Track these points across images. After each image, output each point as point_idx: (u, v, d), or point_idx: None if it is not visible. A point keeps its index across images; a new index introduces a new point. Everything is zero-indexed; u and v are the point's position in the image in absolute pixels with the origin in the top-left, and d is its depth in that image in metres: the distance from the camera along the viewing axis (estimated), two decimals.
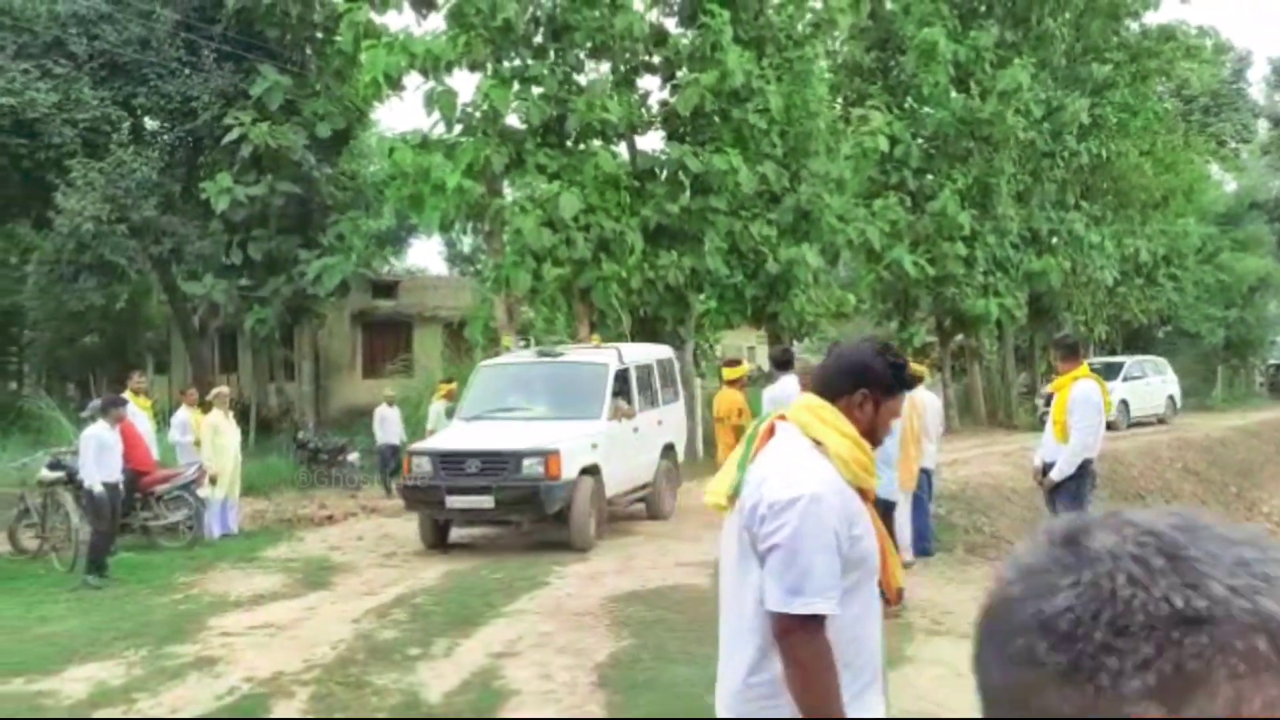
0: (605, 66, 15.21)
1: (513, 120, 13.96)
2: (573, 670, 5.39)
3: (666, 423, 11.03)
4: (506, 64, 14.31)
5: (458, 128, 13.95)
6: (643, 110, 15.42)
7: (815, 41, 16.35)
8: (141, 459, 9.44)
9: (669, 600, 6.97)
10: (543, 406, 9.82)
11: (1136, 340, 25.82)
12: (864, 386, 2.02)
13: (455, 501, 8.78)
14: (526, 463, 8.65)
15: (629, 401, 9.89)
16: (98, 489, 8.11)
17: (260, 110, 16.57)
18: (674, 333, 16.82)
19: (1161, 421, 19.73)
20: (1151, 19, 22.40)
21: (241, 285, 17.27)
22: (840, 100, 19.39)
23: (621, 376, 10.00)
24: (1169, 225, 24.14)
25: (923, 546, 8.11)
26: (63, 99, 15.72)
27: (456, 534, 9.49)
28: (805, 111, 15.42)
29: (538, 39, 14.66)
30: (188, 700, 5.18)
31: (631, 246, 13.91)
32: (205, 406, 10.75)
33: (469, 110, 13.75)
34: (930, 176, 18.94)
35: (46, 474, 9.24)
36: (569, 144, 14.42)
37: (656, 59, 15.61)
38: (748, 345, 28.44)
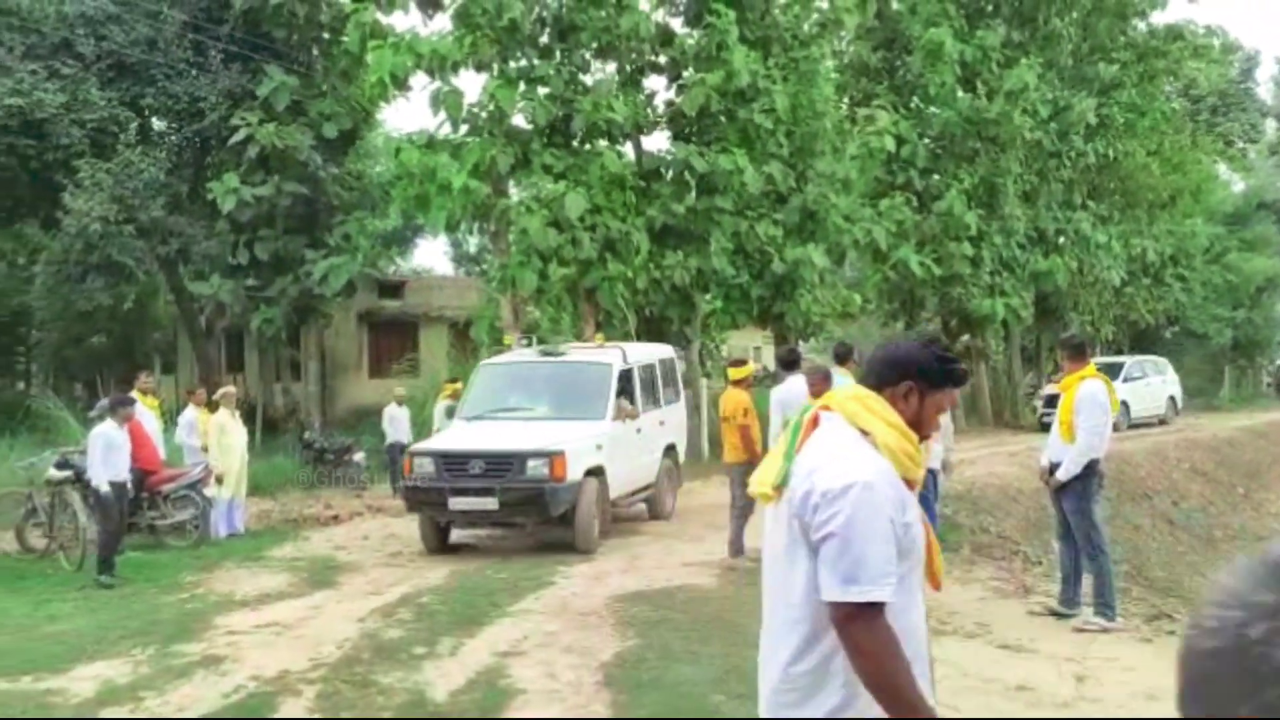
0: (611, 66, 15.22)
1: (519, 120, 13.98)
2: (578, 670, 5.39)
3: (668, 423, 10.96)
4: (512, 64, 14.33)
5: (464, 128, 13.97)
6: (648, 110, 15.42)
7: (821, 41, 16.34)
8: (149, 458, 9.47)
9: (674, 600, 6.97)
10: (545, 406, 9.70)
11: (1143, 340, 25.73)
12: (910, 378, 2.01)
13: (458, 503, 8.64)
14: (531, 464, 8.53)
15: (632, 402, 9.81)
16: (104, 488, 8.14)
17: (267, 111, 16.63)
18: (680, 333, 16.81)
19: (1162, 422, 19.60)
20: (1159, 18, 22.35)
21: (248, 285, 17.32)
22: (846, 100, 19.37)
23: (625, 376, 9.89)
24: (1176, 225, 24.06)
25: None
26: (70, 100, 15.78)
27: (457, 535, 9.39)
28: (811, 111, 15.40)
29: (544, 39, 14.68)
30: (194, 699, 5.19)
31: (637, 246, 13.92)
32: (212, 406, 10.78)
33: (475, 110, 13.77)
34: (937, 176, 18.90)
35: (54, 473, 9.27)
36: (575, 144, 14.43)
37: (662, 59, 15.61)
38: (753, 345, 28.42)
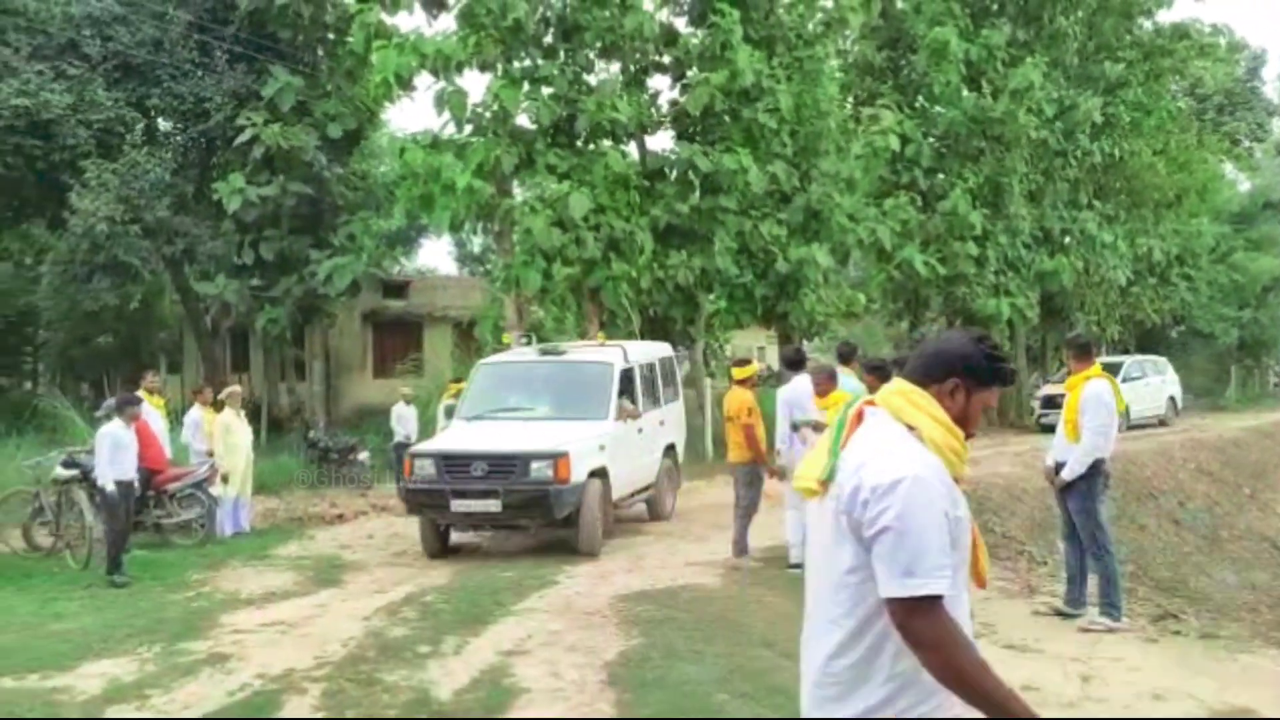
0: (615, 66, 15.23)
1: (523, 120, 14.00)
2: (582, 669, 5.40)
3: (668, 422, 10.85)
4: (517, 64, 14.35)
5: (468, 128, 14.00)
6: (653, 110, 15.43)
7: (826, 41, 16.33)
8: (155, 457, 9.50)
9: (678, 599, 6.97)
10: (547, 406, 9.54)
11: (1149, 340, 25.66)
12: (957, 375, 1.99)
13: (460, 505, 8.45)
14: (535, 465, 8.37)
15: (633, 401, 9.70)
16: (110, 487, 8.16)
17: (272, 111, 16.66)
18: (684, 332, 16.82)
19: (1162, 423, 19.37)
20: (1165, 17, 22.30)
21: (253, 285, 17.36)
22: (851, 99, 19.35)
23: (626, 376, 9.75)
24: (1182, 225, 23.98)
25: None
26: (77, 100, 15.83)
27: (456, 537, 9.23)
28: (816, 111, 15.40)
29: (548, 39, 14.69)
30: (200, 696, 5.21)
31: (641, 246, 13.92)
32: (218, 406, 10.81)
33: (479, 110, 13.79)
34: (941, 176, 18.87)
35: (61, 472, 9.31)
36: (579, 144, 14.45)
37: (666, 59, 15.62)
38: (757, 345, 28.41)
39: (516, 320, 14.21)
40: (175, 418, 11.75)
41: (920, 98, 19.49)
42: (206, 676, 5.53)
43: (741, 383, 8.19)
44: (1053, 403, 16.98)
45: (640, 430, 9.84)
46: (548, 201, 13.34)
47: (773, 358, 26.11)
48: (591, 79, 14.74)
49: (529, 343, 10.74)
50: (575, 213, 12.93)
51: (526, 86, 14.00)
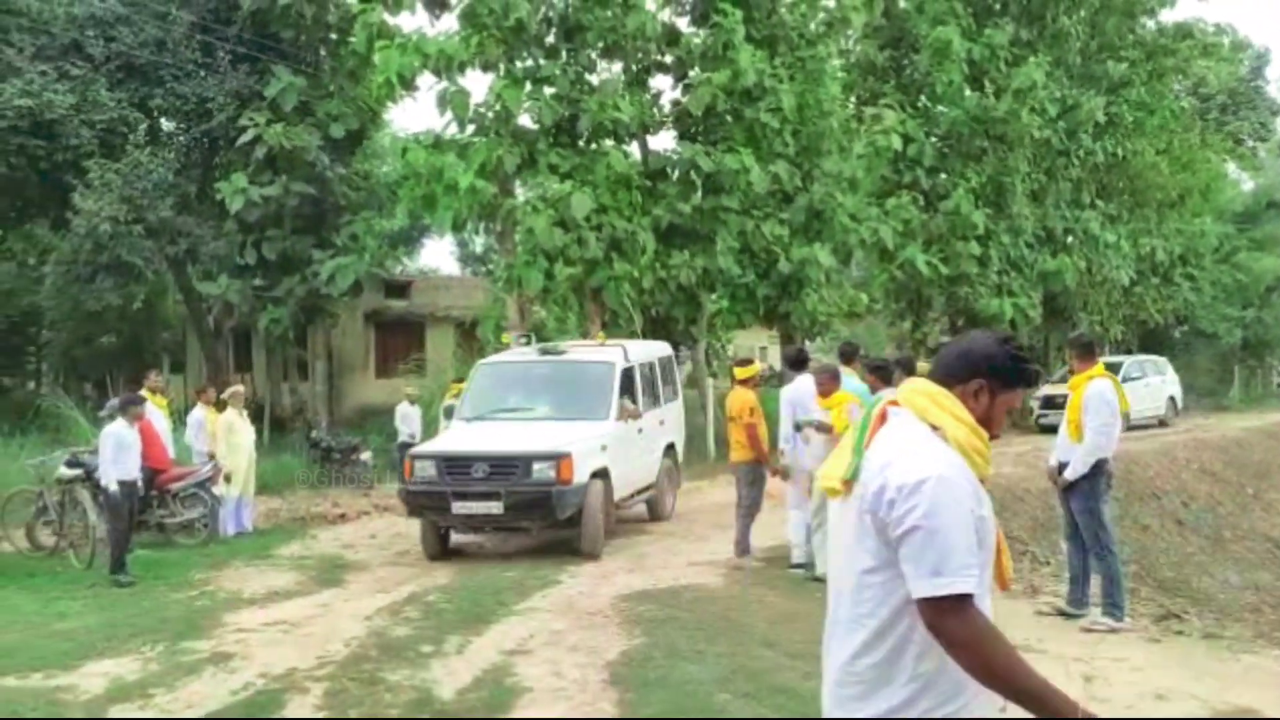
0: (617, 66, 15.23)
1: (525, 120, 14.01)
2: (584, 668, 5.40)
3: (668, 422, 10.78)
4: (519, 64, 14.36)
5: (470, 128, 14.00)
6: (655, 110, 15.43)
7: (828, 40, 16.33)
8: (158, 457, 9.52)
9: (680, 599, 6.97)
10: (547, 407, 9.45)
11: (1152, 340, 25.62)
12: (981, 376, 1.98)
13: (461, 507, 8.35)
14: (537, 466, 8.28)
15: (634, 401, 9.63)
16: (113, 487, 8.17)
17: (275, 111, 16.68)
18: (686, 332, 16.81)
19: (1162, 423, 19.25)
20: (1168, 16, 22.26)
21: (256, 285, 17.39)
22: (853, 99, 19.33)
23: (627, 375, 9.67)
24: (1185, 224, 23.94)
25: None
26: (80, 100, 15.86)
27: (456, 538, 9.14)
28: (818, 110, 15.39)
29: (550, 39, 14.70)
30: (203, 695, 5.22)
31: (643, 246, 13.92)
32: (220, 405, 10.82)
33: (481, 110, 13.80)
34: (944, 175, 18.85)
35: (64, 471, 9.33)
36: (581, 144, 14.45)
37: (669, 58, 15.62)
38: (759, 345, 28.41)
39: (519, 320, 14.21)
40: (178, 417, 11.77)
41: (923, 97, 19.47)
42: (209, 676, 5.54)
43: (744, 382, 8.19)
44: (1052, 403, 16.94)
45: (641, 430, 9.78)
46: (550, 201, 13.34)
47: (775, 358, 26.10)
48: (594, 79, 14.75)
49: (528, 342, 10.61)
50: (577, 213, 12.93)
51: (529, 86, 14.00)
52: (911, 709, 1.87)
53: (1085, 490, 6.20)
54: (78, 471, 9.21)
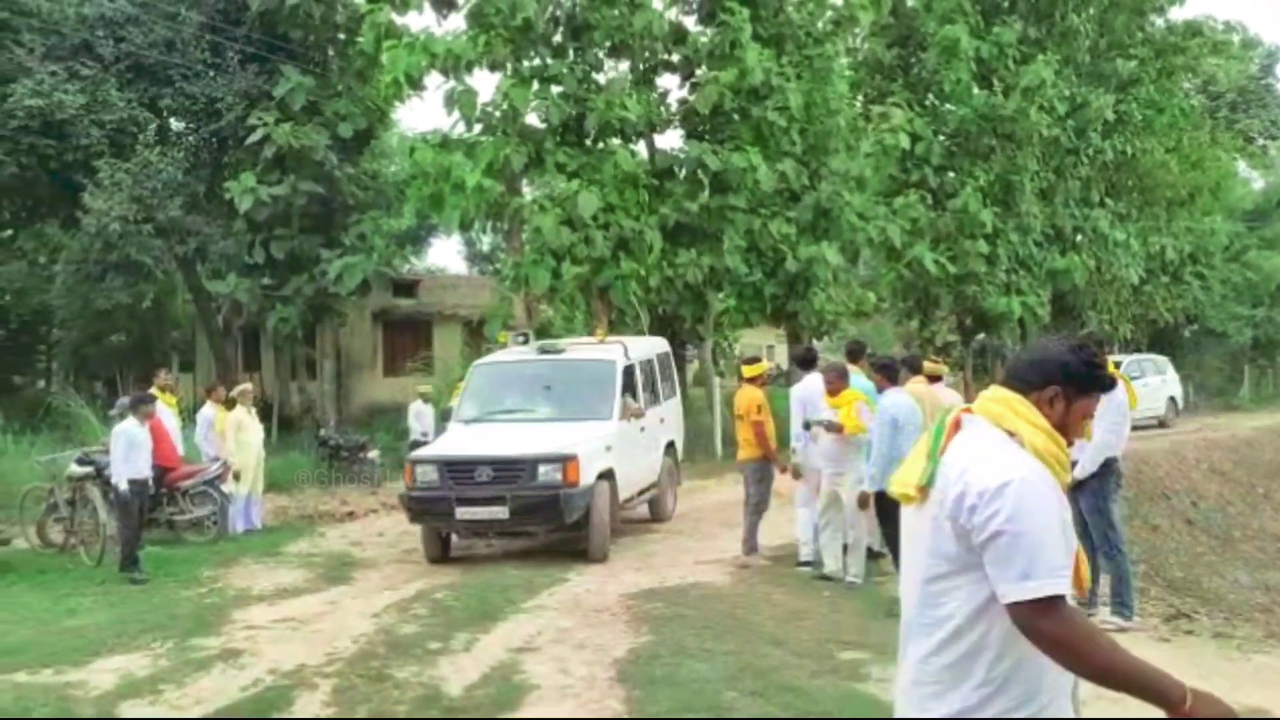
0: (624, 65, 15.24)
1: (532, 119, 14.02)
2: (591, 666, 5.41)
3: (668, 420, 10.55)
4: (526, 63, 14.38)
5: (478, 127, 14.03)
6: (662, 108, 15.44)
7: (836, 39, 16.30)
8: (168, 455, 9.57)
9: (687, 597, 6.97)
10: (549, 407, 9.23)
11: (1162, 339, 25.51)
12: (1056, 383, 1.99)
13: (465, 513, 8.10)
14: (543, 469, 8.05)
15: (636, 399, 9.40)
16: (123, 486, 8.21)
17: (283, 111, 16.74)
18: (693, 331, 16.81)
19: (1162, 424, 19.04)
20: (1177, 14, 22.18)
21: (264, 284, 17.45)
22: (861, 97, 19.30)
23: (628, 373, 9.47)
24: (1195, 223, 23.83)
25: None
26: (90, 100, 15.94)
27: (457, 542, 8.99)
28: (825, 109, 15.36)
29: (557, 38, 14.72)
30: (213, 691, 5.25)
31: (650, 245, 13.92)
32: (229, 404, 10.86)
33: (489, 109, 13.82)
34: (952, 174, 18.80)
35: (75, 469, 9.38)
36: (588, 143, 14.46)
37: (675, 57, 15.62)
38: (766, 344, 28.38)
39: (526, 319, 14.22)
40: (188, 416, 11.82)
41: (931, 95, 19.43)
42: (219, 672, 5.57)
43: (751, 381, 8.19)
44: None
45: (643, 429, 9.59)
46: (557, 200, 13.36)
47: (782, 356, 26.08)
48: (601, 78, 14.76)
49: (526, 341, 10.34)
50: (584, 211, 12.93)
51: (536, 85, 14.02)
52: (985, 710, 1.88)
53: (1094, 489, 6.18)
54: (88, 469, 9.26)
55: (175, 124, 18.72)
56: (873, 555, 7.41)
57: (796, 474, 7.72)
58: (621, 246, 13.76)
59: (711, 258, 14.60)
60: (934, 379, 7.96)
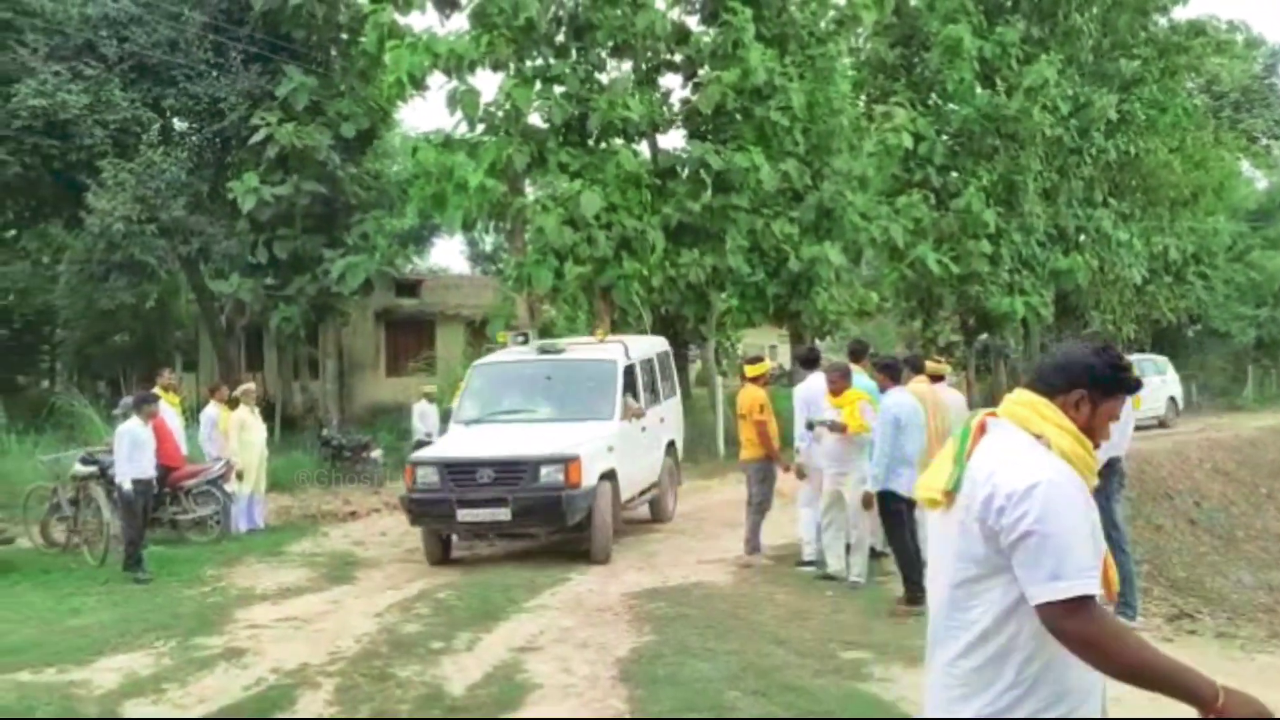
0: (627, 65, 15.25)
1: (535, 119, 14.03)
2: (594, 665, 5.41)
3: (668, 419, 10.48)
4: (529, 63, 14.39)
5: (480, 127, 14.04)
6: (664, 108, 15.44)
7: (838, 38, 16.29)
8: (171, 454, 9.58)
9: (690, 597, 6.97)
10: (549, 407, 9.14)
11: (1165, 339, 25.47)
12: (1082, 386, 2.00)
13: (467, 515, 8.02)
14: (545, 470, 7.97)
15: (636, 399, 9.31)
16: (127, 486, 8.22)
17: (286, 111, 16.76)
18: (695, 331, 16.81)
19: (1162, 425, 18.97)
20: (1180, 14, 22.15)
21: (267, 284, 17.47)
22: (863, 97, 19.29)
23: (629, 372, 9.39)
24: (1198, 223, 23.80)
25: None
26: (94, 100, 15.96)
27: (458, 544, 8.93)
28: (828, 109, 15.35)
29: (560, 38, 14.72)
30: (216, 690, 5.26)
31: (653, 245, 13.92)
32: (232, 403, 10.88)
33: (491, 109, 13.83)
34: (955, 174, 18.79)
35: (79, 468, 9.40)
36: (591, 142, 14.47)
37: (678, 57, 15.62)
38: (769, 344, 28.37)
39: (529, 319, 14.23)
40: (191, 415, 11.84)
41: (934, 95, 19.41)
42: (222, 671, 5.58)
43: (754, 380, 8.19)
44: None
45: (644, 429, 9.52)
46: (560, 200, 13.36)
47: (785, 356, 26.06)
48: (603, 77, 14.77)
49: (525, 341, 10.22)
50: (587, 211, 12.94)
51: (539, 85, 14.03)
52: (1015, 711, 1.88)
53: (1097, 489, 6.16)
54: (92, 469, 9.27)
55: (178, 124, 18.75)
56: (875, 555, 7.41)
57: (801, 474, 7.72)
58: (624, 246, 13.76)
59: (714, 257, 14.60)
60: (936, 379, 7.96)
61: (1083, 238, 20.82)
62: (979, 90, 18.39)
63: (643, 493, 9.70)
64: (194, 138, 18.27)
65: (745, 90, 14.22)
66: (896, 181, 17.72)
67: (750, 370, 8.32)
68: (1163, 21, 22.21)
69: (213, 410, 10.85)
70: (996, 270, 18.82)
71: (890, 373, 6.89)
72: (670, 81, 16.09)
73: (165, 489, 9.52)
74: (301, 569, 8.59)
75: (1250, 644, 6.15)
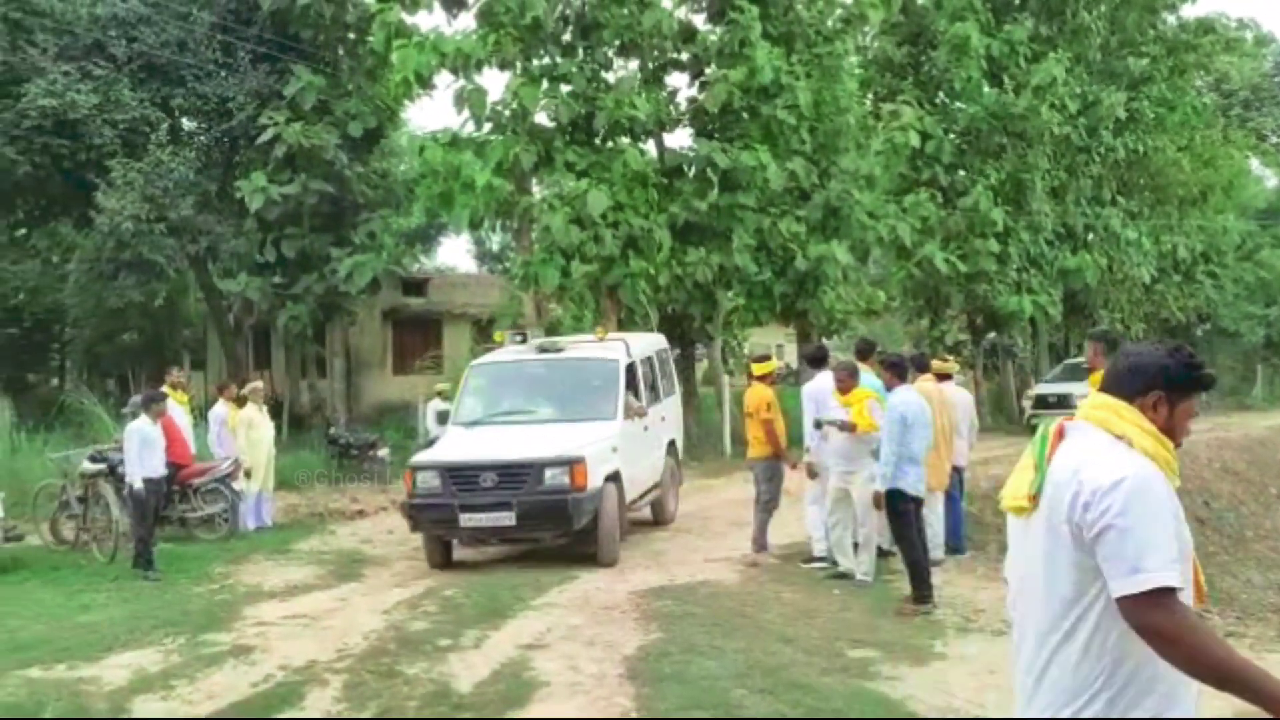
0: (634, 64, 15.24)
1: (542, 118, 14.03)
2: (601, 663, 5.41)
3: (668, 418, 10.34)
4: (536, 62, 14.39)
5: (487, 126, 14.05)
6: (671, 107, 15.42)
7: (845, 37, 16.25)
8: (180, 453, 9.62)
9: (697, 595, 6.97)
10: (551, 408, 8.97)
11: (1174, 338, 25.28)
12: (1158, 388, 2.00)
13: (470, 520, 7.83)
14: (550, 473, 7.79)
15: (638, 398, 9.15)
16: (137, 484, 8.25)
17: (294, 110, 16.80)
18: (702, 330, 16.79)
19: None
20: (1189, 12, 22.07)
21: (275, 283, 17.52)
22: (871, 96, 19.24)
23: (630, 371, 9.21)
24: (1207, 221, 23.66)
25: (954, 544, 8.05)
26: (103, 100, 16.02)
27: (459, 547, 8.77)
28: (835, 107, 15.33)
29: (566, 37, 14.73)
30: (225, 687, 5.28)
31: (660, 243, 13.92)
32: (240, 402, 10.92)
33: (498, 108, 13.84)
34: (962, 172, 18.73)
35: (88, 466, 9.44)
36: (597, 141, 14.47)
37: (685, 56, 15.60)
38: (776, 343, 28.32)
39: (535, 317, 14.24)
40: (199, 414, 11.88)
41: (941, 93, 19.35)
42: (230, 668, 5.60)
43: (761, 379, 8.18)
44: (1044, 402, 16.64)
45: (646, 428, 9.37)
46: (566, 199, 13.36)
47: (792, 355, 26.03)
48: (610, 76, 14.76)
49: (524, 340, 10.00)
50: (594, 210, 12.94)
51: (545, 84, 14.03)
52: (1101, 711, 1.89)
53: None
54: (101, 467, 9.32)
55: (187, 123, 18.81)
56: (882, 554, 7.40)
57: (812, 473, 7.69)
58: (631, 245, 13.76)
59: (721, 256, 14.58)
60: (943, 377, 7.94)
61: (1091, 236, 20.73)
62: (987, 88, 18.32)
63: (646, 493, 9.56)
64: (202, 137, 18.34)
65: (752, 89, 14.20)
66: (904, 180, 17.67)
67: (757, 369, 8.31)
68: (1171, 19, 22.10)
69: (221, 409, 10.89)
70: (1004, 269, 18.76)
71: (896, 370, 6.88)
72: (677, 80, 16.10)
73: (174, 487, 9.56)
74: (309, 567, 8.62)
75: (1259, 644, 6.12)
